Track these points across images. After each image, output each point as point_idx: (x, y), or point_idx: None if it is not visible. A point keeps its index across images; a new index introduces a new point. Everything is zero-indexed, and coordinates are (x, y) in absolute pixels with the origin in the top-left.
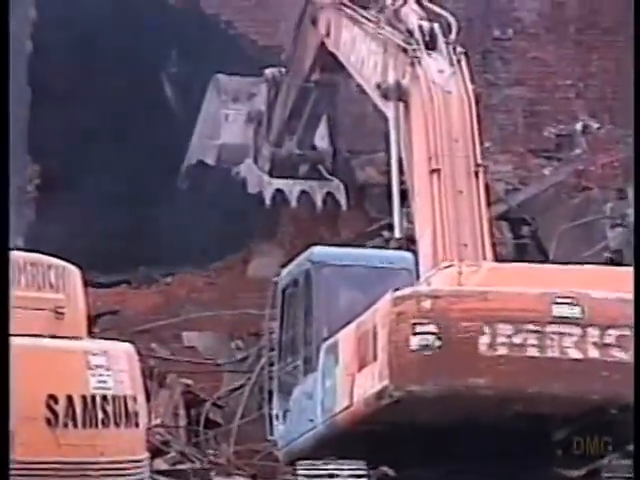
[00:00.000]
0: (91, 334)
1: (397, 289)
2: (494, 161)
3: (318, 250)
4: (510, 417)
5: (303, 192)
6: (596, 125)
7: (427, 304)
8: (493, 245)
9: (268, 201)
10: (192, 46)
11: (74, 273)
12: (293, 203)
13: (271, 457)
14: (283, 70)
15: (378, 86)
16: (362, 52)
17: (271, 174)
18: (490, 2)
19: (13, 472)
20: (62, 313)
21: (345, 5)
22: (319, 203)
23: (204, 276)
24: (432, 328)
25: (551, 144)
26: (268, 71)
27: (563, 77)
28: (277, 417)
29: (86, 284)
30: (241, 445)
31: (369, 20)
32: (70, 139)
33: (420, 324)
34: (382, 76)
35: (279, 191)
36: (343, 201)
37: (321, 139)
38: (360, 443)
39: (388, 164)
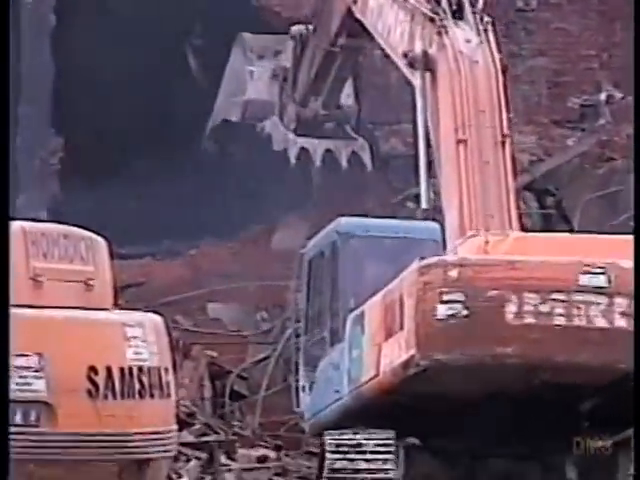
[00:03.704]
0: (117, 306)
1: (423, 258)
2: (518, 132)
3: (345, 221)
4: (537, 386)
5: (328, 151)
6: (620, 95)
7: (454, 273)
8: (519, 216)
9: (293, 159)
10: (215, 18)
11: (102, 245)
12: (317, 162)
13: (296, 428)
14: (309, 27)
15: (405, 55)
16: (389, 20)
17: (296, 132)
18: None
19: (58, 444)
20: (92, 285)
21: None
22: (344, 163)
23: (228, 248)
24: (459, 297)
25: (575, 115)
26: (295, 28)
27: (586, 47)
28: (303, 389)
29: (112, 256)
30: (266, 417)
31: None
32: (93, 111)
33: (447, 293)
34: (409, 45)
35: (304, 149)
36: (368, 161)
37: (347, 97)
38: (386, 413)
39: (412, 135)
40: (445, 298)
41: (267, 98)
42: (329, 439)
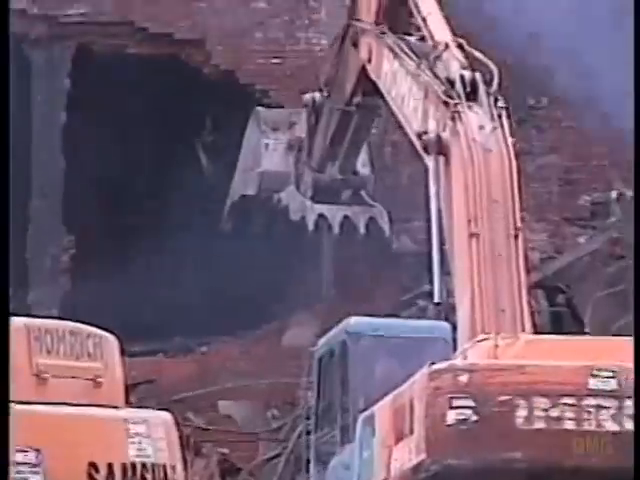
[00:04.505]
0: (128, 403)
1: (433, 363)
2: (529, 230)
3: (355, 320)
4: None
5: (346, 217)
6: (630, 193)
7: (464, 378)
8: (532, 312)
9: (311, 226)
10: (227, 115)
11: (111, 342)
12: (336, 229)
13: None
14: (323, 94)
15: (419, 136)
16: (402, 89)
17: (313, 199)
18: (525, 70)
19: None
20: (100, 382)
21: (385, 34)
22: (362, 229)
23: (239, 345)
24: (469, 402)
25: (586, 212)
26: (308, 95)
27: (597, 145)
28: None
29: (123, 353)
30: None
31: (409, 57)
32: (105, 209)
33: (457, 398)
34: (422, 122)
35: (322, 216)
36: (386, 227)
37: (362, 166)
38: None
39: (423, 232)
40: (455, 404)
41: (283, 169)
42: None
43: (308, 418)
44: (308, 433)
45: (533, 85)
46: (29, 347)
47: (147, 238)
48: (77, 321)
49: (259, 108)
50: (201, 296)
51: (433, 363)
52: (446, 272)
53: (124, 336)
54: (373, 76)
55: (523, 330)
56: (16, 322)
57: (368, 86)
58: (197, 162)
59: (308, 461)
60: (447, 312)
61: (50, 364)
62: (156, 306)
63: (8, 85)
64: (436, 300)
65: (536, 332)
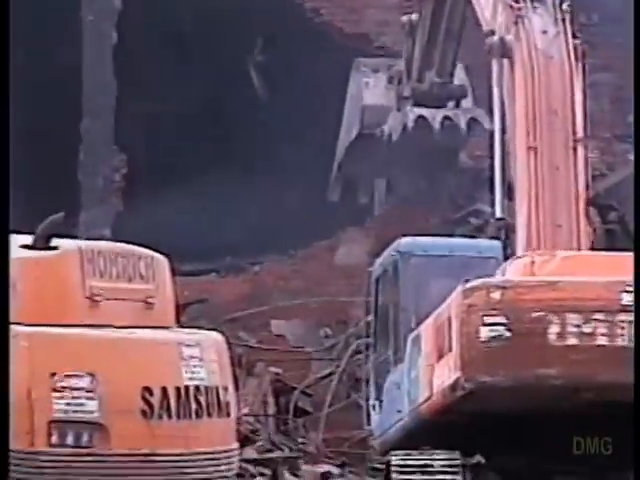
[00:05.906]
0: (179, 323)
1: (468, 280)
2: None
3: (406, 241)
4: (583, 405)
5: (446, 118)
6: None
7: (496, 295)
8: (594, 229)
9: (411, 123)
10: (278, 34)
11: (163, 263)
12: (436, 127)
13: (360, 445)
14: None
15: (485, 35)
16: None
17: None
18: None
19: (110, 464)
20: (152, 303)
21: None
22: (463, 126)
23: (291, 264)
24: (501, 319)
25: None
26: (405, 17)
27: None
28: (373, 407)
29: (174, 273)
30: (330, 433)
31: None
32: (157, 129)
33: (489, 315)
34: (492, 17)
35: (421, 117)
36: (488, 125)
37: (459, 78)
38: (442, 433)
39: (478, 148)
40: (488, 320)
41: (384, 103)
42: (396, 459)
43: (367, 336)
44: (360, 352)
45: (583, 2)
46: (82, 269)
47: (199, 158)
48: (129, 242)
49: (359, 58)
50: (252, 215)
51: (468, 280)
52: (506, 189)
53: (176, 256)
54: None
55: (579, 247)
56: (69, 244)
57: None
58: (250, 82)
59: (367, 381)
60: (507, 229)
61: (103, 286)
62: (208, 226)
63: (8, 77)
64: (498, 215)
65: (592, 249)
